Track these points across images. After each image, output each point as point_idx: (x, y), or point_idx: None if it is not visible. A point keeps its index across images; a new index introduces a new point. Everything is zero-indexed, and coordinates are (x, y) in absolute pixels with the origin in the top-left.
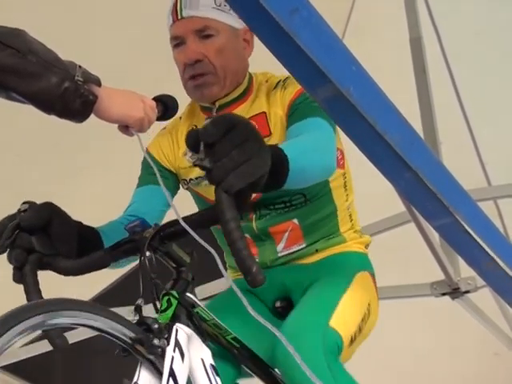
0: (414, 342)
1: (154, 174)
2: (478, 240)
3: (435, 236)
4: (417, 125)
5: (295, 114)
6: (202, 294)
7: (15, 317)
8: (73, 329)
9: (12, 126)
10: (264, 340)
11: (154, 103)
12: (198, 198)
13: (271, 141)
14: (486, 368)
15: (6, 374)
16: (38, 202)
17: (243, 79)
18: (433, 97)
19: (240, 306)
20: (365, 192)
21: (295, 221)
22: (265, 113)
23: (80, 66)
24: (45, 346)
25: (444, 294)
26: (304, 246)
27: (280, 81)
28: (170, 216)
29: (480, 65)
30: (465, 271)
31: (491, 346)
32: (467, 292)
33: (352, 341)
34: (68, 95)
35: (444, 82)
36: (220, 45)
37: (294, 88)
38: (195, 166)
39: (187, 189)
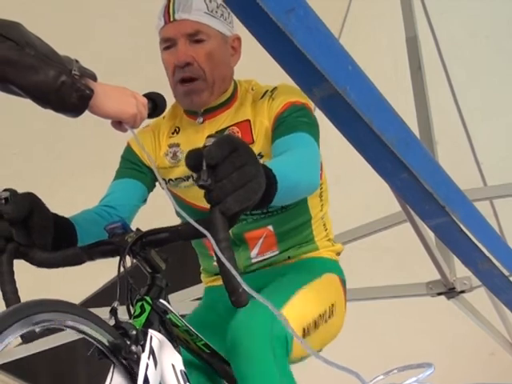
0: (409, 342)
1: (133, 168)
2: (474, 240)
3: (431, 236)
4: (413, 124)
5: (281, 127)
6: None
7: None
8: (56, 329)
9: (10, 124)
10: None
11: (145, 100)
12: (175, 198)
13: (254, 149)
14: (482, 368)
15: (3, 374)
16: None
17: (229, 86)
18: (429, 96)
19: (215, 321)
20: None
21: (270, 227)
22: (249, 120)
23: (77, 61)
24: (41, 346)
25: (440, 294)
26: (277, 252)
27: (268, 91)
28: (146, 215)
29: (476, 64)
30: (460, 271)
31: (487, 346)
32: (463, 292)
33: (304, 333)
34: (65, 89)
35: (440, 81)
36: (210, 50)
37: (282, 101)
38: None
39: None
